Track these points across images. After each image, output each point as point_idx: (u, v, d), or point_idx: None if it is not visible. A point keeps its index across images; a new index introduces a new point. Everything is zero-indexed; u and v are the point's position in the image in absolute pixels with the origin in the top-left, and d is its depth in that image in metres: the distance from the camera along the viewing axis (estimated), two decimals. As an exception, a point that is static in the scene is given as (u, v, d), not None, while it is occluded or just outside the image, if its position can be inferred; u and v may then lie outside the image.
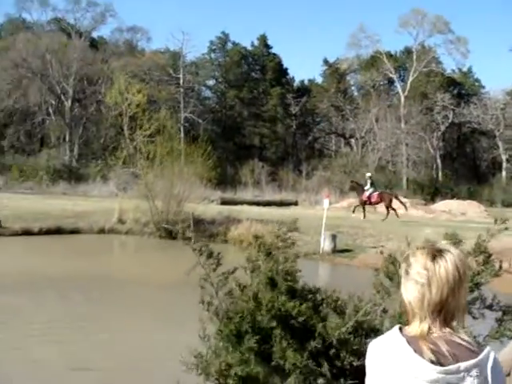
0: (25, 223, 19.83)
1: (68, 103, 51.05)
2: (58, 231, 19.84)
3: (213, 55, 63.96)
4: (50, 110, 53.02)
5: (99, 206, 24.02)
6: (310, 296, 3.95)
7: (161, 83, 52.57)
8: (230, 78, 62.14)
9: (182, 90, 54.52)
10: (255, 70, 65.38)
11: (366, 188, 25.61)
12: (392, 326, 1.99)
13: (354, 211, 25.47)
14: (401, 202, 25.54)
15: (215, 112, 61.41)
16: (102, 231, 20.36)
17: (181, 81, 54.69)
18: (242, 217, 21.53)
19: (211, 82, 64.13)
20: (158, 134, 20.70)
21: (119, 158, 20.52)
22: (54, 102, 52.13)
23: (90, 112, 52.22)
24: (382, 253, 4.58)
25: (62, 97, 51.39)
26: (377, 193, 25.48)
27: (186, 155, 20.98)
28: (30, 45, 49.66)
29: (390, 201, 24.94)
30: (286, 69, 65.54)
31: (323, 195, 23.32)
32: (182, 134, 44.17)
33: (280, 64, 64.39)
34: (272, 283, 3.93)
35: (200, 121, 53.20)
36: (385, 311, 3.99)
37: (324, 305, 3.97)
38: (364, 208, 25.18)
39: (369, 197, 25.22)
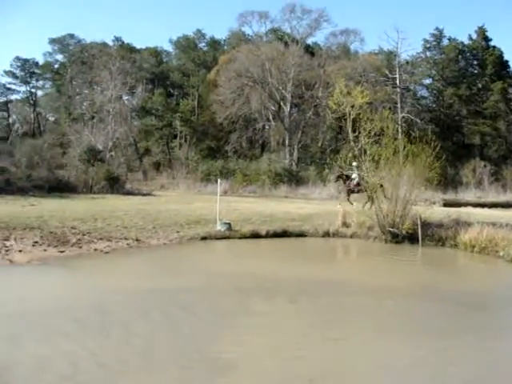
0: (252, 226, 20.39)
1: (287, 108, 52.70)
2: (284, 234, 20.09)
3: (428, 53, 61.96)
4: (270, 116, 55.04)
5: (321, 209, 24.24)
6: None
7: (376, 84, 52.05)
8: (446, 75, 59.82)
9: (398, 90, 53.57)
10: (473, 66, 62.15)
11: (353, 177, 25.00)
12: None
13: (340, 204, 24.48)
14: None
15: (432, 111, 59.47)
16: (326, 234, 20.35)
17: (397, 81, 53.74)
18: (470, 219, 20.44)
19: (427, 81, 62.17)
20: (379, 136, 20.32)
21: (345, 159, 20.44)
22: (273, 108, 54.04)
23: (308, 116, 53.31)
24: None
25: (281, 103, 53.13)
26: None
27: (409, 156, 20.27)
28: (250, 55, 52.15)
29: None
30: (507, 61, 61.28)
31: None
32: (400, 135, 43.36)
33: (500, 57, 60.45)
34: None
35: (418, 120, 51.90)
36: None
37: None
38: (348, 196, 25.18)
39: (357, 185, 24.66)
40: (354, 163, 26.12)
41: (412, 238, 19.10)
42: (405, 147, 20.54)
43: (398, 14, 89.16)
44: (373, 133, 19.99)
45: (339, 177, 27.61)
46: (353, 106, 20.61)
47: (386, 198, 21.05)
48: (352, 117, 20.60)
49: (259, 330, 8.71)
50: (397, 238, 19.11)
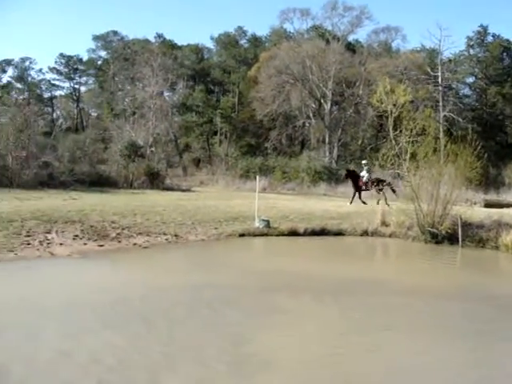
0: (291, 223, 20.23)
1: (327, 106, 52.56)
2: (322, 232, 19.92)
3: (471, 51, 60.96)
4: (310, 114, 54.90)
5: (361, 208, 24.07)
6: None
7: (418, 82, 51.40)
8: (490, 73, 58.86)
9: (440, 88, 52.85)
10: (518, 63, 61.02)
11: (362, 174, 26.78)
12: None
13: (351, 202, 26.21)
14: (393, 191, 25.15)
15: (475, 110, 58.54)
16: (365, 233, 20.12)
17: (439, 79, 53.01)
18: (512, 221, 20.02)
19: (470, 79, 61.20)
20: (420, 135, 20.06)
21: (385, 158, 20.18)
22: (314, 106, 53.92)
23: (348, 114, 53.03)
24: None
25: (322, 100, 52.95)
26: (372, 178, 26.16)
27: (450, 155, 19.92)
28: (291, 52, 52.13)
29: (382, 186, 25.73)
30: (554, 59, 60.05)
31: None
32: (441, 134, 42.82)
33: (546, 54, 59.28)
34: None
35: (459, 119, 51.11)
36: None
37: None
38: (360, 194, 26.56)
39: (366, 183, 26.40)
40: (364, 161, 26.20)
41: (452, 239, 18.78)
42: (445, 146, 20.25)
43: (440, 11, 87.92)
44: (414, 132, 19.75)
45: (348, 174, 27.83)
46: (395, 105, 20.41)
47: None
48: (394, 115, 20.41)
49: (289, 330, 8.59)
50: (436, 239, 18.79)
